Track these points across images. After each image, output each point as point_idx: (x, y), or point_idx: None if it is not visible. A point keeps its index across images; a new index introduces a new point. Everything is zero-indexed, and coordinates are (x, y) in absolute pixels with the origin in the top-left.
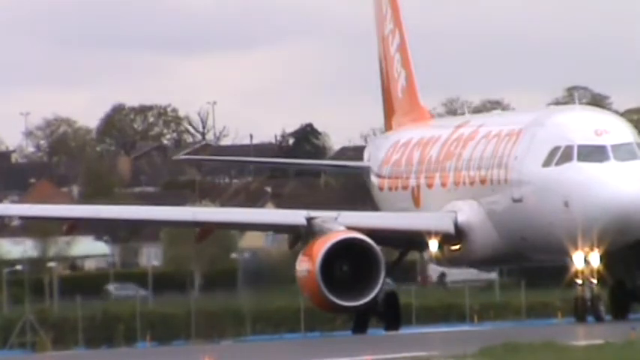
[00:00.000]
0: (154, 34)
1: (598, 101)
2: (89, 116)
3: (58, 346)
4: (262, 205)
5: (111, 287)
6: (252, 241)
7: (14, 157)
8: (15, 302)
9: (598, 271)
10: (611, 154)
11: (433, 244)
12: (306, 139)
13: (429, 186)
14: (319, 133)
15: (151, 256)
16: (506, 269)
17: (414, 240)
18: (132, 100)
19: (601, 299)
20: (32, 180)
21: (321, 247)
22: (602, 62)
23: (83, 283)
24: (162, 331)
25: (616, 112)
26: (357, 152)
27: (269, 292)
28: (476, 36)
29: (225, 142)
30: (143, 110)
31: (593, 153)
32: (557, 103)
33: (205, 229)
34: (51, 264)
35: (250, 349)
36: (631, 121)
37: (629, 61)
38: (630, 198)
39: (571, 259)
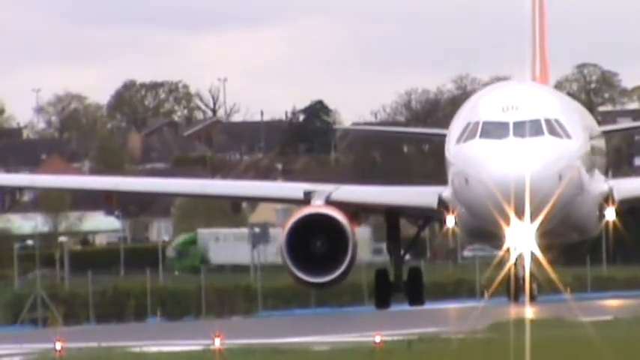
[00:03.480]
0: (165, 10)
1: (607, 78)
2: (100, 92)
3: (69, 322)
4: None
5: None
6: (263, 216)
7: (25, 133)
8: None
9: (532, 250)
10: (511, 131)
11: (450, 219)
12: (317, 115)
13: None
14: (329, 110)
15: (161, 231)
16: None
17: (432, 215)
18: (143, 77)
19: (534, 278)
20: (43, 156)
21: (289, 222)
22: (612, 39)
23: (94, 258)
24: (173, 306)
25: (625, 89)
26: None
27: (280, 267)
28: (485, 13)
29: (236, 118)
30: (154, 87)
31: (495, 130)
32: (567, 80)
33: (236, 202)
34: (62, 239)
35: (261, 325)
36: None
37: (638, 39)
38: (522, 176)
39: (504, 237)
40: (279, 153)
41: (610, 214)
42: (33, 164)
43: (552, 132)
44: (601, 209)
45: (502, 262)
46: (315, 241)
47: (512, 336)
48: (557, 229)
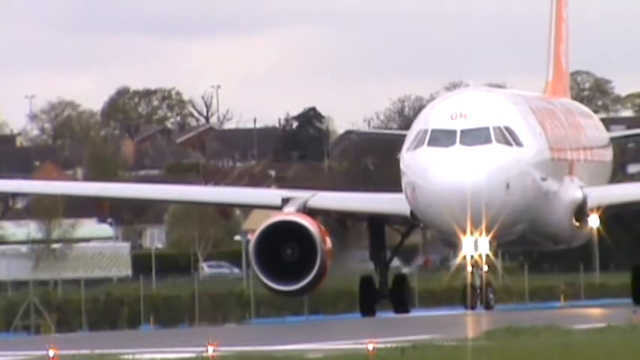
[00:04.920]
0: (158, 17)
1: (600, 85)
2: (94, 100)
3: (62, 329)
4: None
5: (204, 265)
6: (256, 223)
7: (19, 141)
8: (19, 284)
9: (488, 258)
10: (457, 139)
11: None
12: (310, 122)
13: None
14: (323, 117)
15: (154, 238)
16: (509, 253)
17: (411, 222)
18: (136, 84)
19: (490, 287)
20: (37, 163)
21: (258, 229)
22: (605, 47)
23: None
24: (166, 314)
25: (618, 96)
26: (360, 136)
27: None
28: (478, 20)
29: (229, 125)
30: (147, 94)
31: (443, 137)
32: None
33: (223, 208)
34: (55, 246)
35: (254, 332)
36: (634, 105)
37: (632, 46)
38: (466, 184)
39: (460, 245)
40: (273, 160)
41: (594, 221)
42: (26, 171)
43: (501, 140)
44: (580, 216)
45: (460, 271)
46: (285, 249)
47: (506, 343)
48: (528, 236)
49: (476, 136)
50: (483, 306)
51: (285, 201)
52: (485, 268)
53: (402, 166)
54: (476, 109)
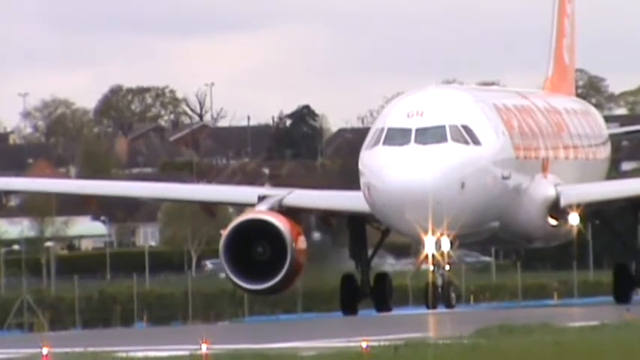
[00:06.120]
0: (152, 15)
1: (594, 83)
2: (87, 97)
3: (55, 327)
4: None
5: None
6: None
7: (12, 138)
8: (12, 282)
9: (449, 256)
10: (412, 138)
11: None
12: (303, 120)
13: None
14: (316, 115)
15: (147, 236)
16: (502, 251)
17: None
18: (130, 82)
19: (452, 286)
20: (30, 161)
21: (228, 227)
22: (599, 45)
23: (80, 263)
24: (159, 311)
25: (612, 94)
26: (354, 134)
27: None
28: (472, 18)
29: (223, 123)
30: (141, 91)
31: (398, 136)
32: None
33: (207, 206)
34: (48, 244)
35: (247, 330)
36: (627, 103)
37: (626, 44)
38: (418, 183)
39: (422, 244)
40: (266, 158)
41: (574, 220)
42: (19, 169)
43: (458, 139)
44: (557, 215)
45: (420, 272)
46: (256, 248)
47: (499, 341)
48: (500, 234)
49: (431, 135)
50: (444, 305)
51: (262, 199)
52: (447, 267)
53: (360, 165)
54: (433, 107)
